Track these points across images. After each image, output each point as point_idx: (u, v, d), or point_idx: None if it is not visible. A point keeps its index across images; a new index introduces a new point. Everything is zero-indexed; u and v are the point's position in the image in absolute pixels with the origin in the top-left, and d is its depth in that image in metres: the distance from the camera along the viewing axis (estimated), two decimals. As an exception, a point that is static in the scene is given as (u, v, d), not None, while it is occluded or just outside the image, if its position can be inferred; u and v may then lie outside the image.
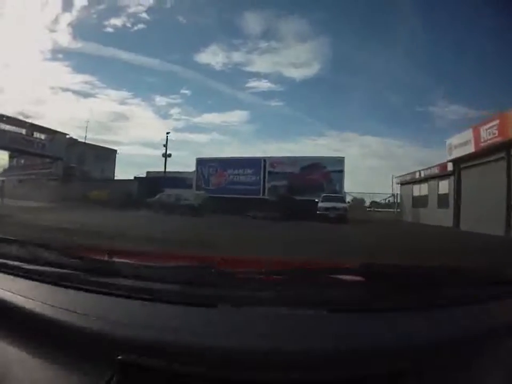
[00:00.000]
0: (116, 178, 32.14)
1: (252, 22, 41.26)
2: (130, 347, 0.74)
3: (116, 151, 37.06)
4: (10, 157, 36.01)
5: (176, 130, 51.02)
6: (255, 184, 22.12)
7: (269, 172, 21.95)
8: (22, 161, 32.86)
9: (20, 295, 0.97)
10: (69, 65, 48.93)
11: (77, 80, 46.68)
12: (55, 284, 1.04)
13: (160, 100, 50.18)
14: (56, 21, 42.19)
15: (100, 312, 0.87)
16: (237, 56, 41.51)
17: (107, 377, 0.71)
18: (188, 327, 0.81)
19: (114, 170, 36.43)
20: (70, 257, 1.20)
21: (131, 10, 39.18)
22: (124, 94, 53.91)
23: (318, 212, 15.65)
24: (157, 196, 19.41)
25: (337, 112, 41.17)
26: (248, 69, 43.64)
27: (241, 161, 22.88)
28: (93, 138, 46.91)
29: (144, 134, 57.42)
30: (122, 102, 48.00)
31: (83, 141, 33.51)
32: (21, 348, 0.82)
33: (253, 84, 45.33)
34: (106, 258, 1.26)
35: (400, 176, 22.25)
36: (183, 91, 46.18)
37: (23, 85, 48.11)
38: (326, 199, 16.91)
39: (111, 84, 51.41)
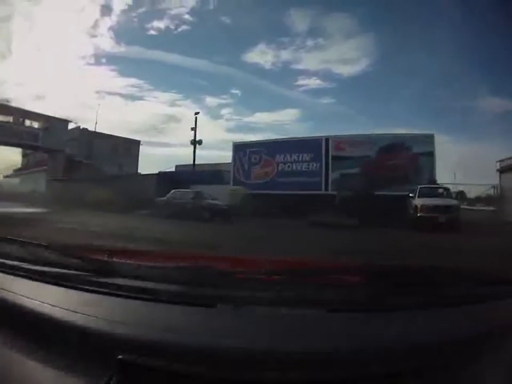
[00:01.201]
0: (140, 173, 34.45)
1: (298, 19, 48.03)
2: (130, 347, 0.92)
3: (139, 142, 40.36)
4: (23, 155, 41.03)
5: (228, 130, 62.98)
6: (314, 174, 21.38)
7: (334, 157, 21.01)
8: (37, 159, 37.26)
9: (20, 295, 1.23)
10: (116, 70, 64.31)
11: (125, 83, 60.38)
12: (55, 284, 1.33)
13: (211, 101, 60.90)
14: (102, 25, 53.75)
15: (100, 312, 1.10)
16: (285, 54, 50.86)
17: (107, 377, 0.88)
18: (188, 327, 1.05)
19: (137, 164, 39.23)
20: (70, 257, 1.56)
21: (175, 12, 49.63)
22: (173, 96, 66.16)
23: (418, 214, 13.77)
24: (167, 196, 19.48)
25: (388, 108, 46.78)
26: (297, 66, 52.46)
27: (294, 144, 22.45)
28: (147, 140, 64.17)
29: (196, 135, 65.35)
30: (172, 104, 61.63)
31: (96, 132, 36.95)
32: (21, 347, 1.03)
33: (302, 81, 53.97)
34: (106, 258, 1.59)
35: (502, 161, 19.60)
36: (233, 91, 55.74)
37: (70, 90, 64.70)
38: (425, 193, 14.91)
39: (160, 86, 62.89)
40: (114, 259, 1.63)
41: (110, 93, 76.54)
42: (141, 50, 54.09)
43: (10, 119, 31.10)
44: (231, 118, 64.70)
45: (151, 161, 65.03)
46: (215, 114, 63.66)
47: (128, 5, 48.56)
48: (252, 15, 48.17)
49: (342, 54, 49.43)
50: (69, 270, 1.46)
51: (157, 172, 29.24)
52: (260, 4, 47.98)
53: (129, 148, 39.63)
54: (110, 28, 53.97)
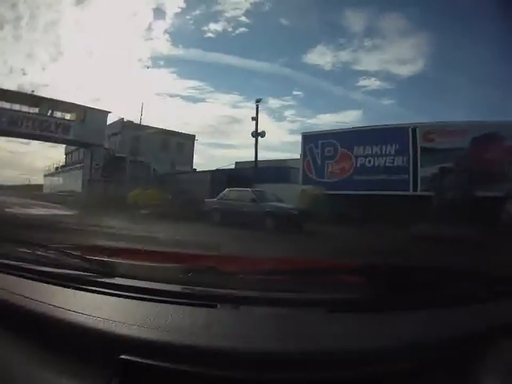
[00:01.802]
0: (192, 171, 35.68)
1: (354, 19, 52.05)
2: (131, 347, 1.09)
3: (193, 137, 41.55)
4: (67, 153, 43.52)
5: (292, 132, 66.96)
6: (400, 171, 20.19)
7: (424, 149, 19.73)
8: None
9: (20, 295, 1.44)
10: (176, 72, 70.72)
11: (186, 86, 69.29)
12: (55, 284, 1.59)
13: (274, 102, 64.32)
14: (160, 28, 62.96)
15: (100, 311, 1.30)
16: (344, 55, 52.64)
17: (107, 377, 1.05)
18: (188, 326, 1.25)
19: (192, 162, 40.65)
20: (70, 257, 1.85)
21: (233, 13, 52.72)
22: (235, 97, 68.32)
23: None
24: (218, 196, 18.39)
25: (448, 109, 48.14)
26: (357, 67, 55.72)
27: (375, 134, 21.36)
28: (209, 142, 72.40)
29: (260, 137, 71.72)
30: (234, 106, 64.64)
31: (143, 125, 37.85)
32: (22, 347, 1.22)
33: (363, 82, 58.13)
34: (106, 258, 1.88)
35: None
36: (295, 92, 58.89)
37: (130, 94, 71.85)
38: None
39: (221, 88, 68.46)
40: (115, 259, 1.90)
41: (171, 95, 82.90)
42: (201, 53, 58.46)
43: (35, 109, 32.23)
44: (295, 120, 66.87)
45: (214, 163, 71.99)
46: (278, 116, 66.74)
47: (187, 7, 54.68)
48: (309, 16, 51.51)
49: (400, 54, 50.03)
50: (69, 270, 1.72)
51: (211, 170, 29.55)
52: (316, 4, 51.86)
53: (183, 143, 40.82)
54: (169, 31, 60.19)
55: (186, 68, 67.81)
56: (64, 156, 44.53)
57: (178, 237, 9.70)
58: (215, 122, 75.75)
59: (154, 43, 60.28)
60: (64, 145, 40.12)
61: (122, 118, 38.84)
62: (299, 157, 24.53)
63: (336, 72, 45.59)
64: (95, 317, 1.27)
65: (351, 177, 21.63)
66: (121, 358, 1.06)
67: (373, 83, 54.59)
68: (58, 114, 33.69)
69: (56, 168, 46.38)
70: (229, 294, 1.49)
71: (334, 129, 24.13)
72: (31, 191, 45.20)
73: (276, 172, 25.26)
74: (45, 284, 1.62)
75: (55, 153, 45.50)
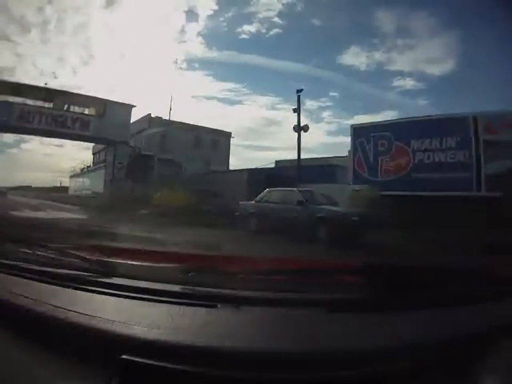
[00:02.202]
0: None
1: (386, 19, 57.27)
2: (131, 347, 1.18)
3: (229, 134, 42.41)
4: (94, 153, 44.71)
5: (330, 133, 71.76)
6: (461, 168, 19.31)
7: (486, 142, 18.81)
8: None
9: (20, 295, 1.56)
10: (211, 74, 79.15)
11: (222, 88, 75.17)
12: (55, 284, 1.73)
13: (311, 104, 68.29)
14: (192, 31, 71.96)
15: (100, 311, 1.41)
16: (378, 56, 59.55)
17: (107, 377, 1.13)
18: (188, 326, 1.33)
19: (228, 161, 41.40)
20: (70, 257, 2.01)
21: (267, 14, 61.08)
22: (272, 99, 76.92)
23: None
24: (256, 198, 17.18)
25: (482, 107, 40.62)
26: (390, 67, 59.75)
27: (434, 124, 20.61)
28: (248, 144, 74.63)
29: (296, 138, 75.85)
30: (272, 108, 72.27)
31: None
32: (22, 347, 1.31)
33: (397, 83, 62.29)
34: (106, 258, 2.04)
35: None
36: (332, 94, 63.48)
37: (166, 96, 76.43)
38: None
39: (257, 90, 78.58)
40: (115, 259, 2.07)
41: (207, 97, 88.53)
42: (236, 55, 65.42)
43: (50, 104, 32.51)
44: (332, 121, 74.13)
45: (251, 165, 75.29)
46: (315, 118, 70.10)
47: (220, 9, 59.92)
48: (342, 16, 58.06)
49: (433, 53, 59.30)
50: (69, 270, 1.87)
51: (248, 168, 29.49)
52: (348, 4, 56.70)
53: (218, 140, 41.27)
54: (203, 33, 65.17)
55: (222, 69, 76.14)
56: (92, 156, 45.97)
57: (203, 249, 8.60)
58: (252, 124, 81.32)
59: (188, 45, 66.61)
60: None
61: (150, 114, 39.57)
62: (343, 155, 24.56)
63: (370, 72, 50.59)
64: (95, 317, 1.37)
65: (409, 175, 20.87)
66: (122, 358, 1.14)
67: (408, 83, 61.88)
68: (76, 109, 34.10)
69: (82, 168, 47.83)
70: (229, 294, 1.61)
71: (387, 120, 23.42)
72: (58, 193, 47.86)
73: (321, 170, 24.96)
74: (45, 284, 1.74)
75: (87, 155, 47.54)
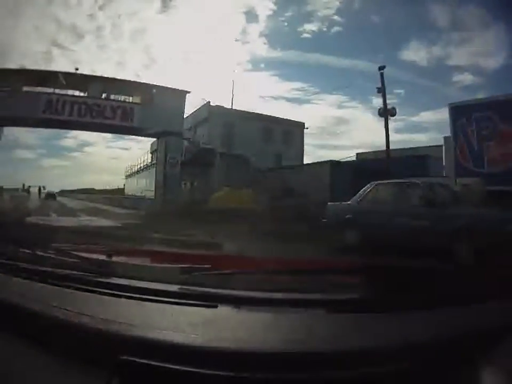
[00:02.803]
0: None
1: (442, 13, 66.88)
2: (131, 347, 1.28)
3: (303, 125, 41.90)
4: (152, 152, 44.79)
5: (397, 131, 76.02)
6: None
7: None
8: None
9: (20, 295, 1.70)
10: (278, 74, 78.57)
11: (290, 87, 74.27)
12: (55, 284, 1.89)
13: (377, 102, 58.31)
14: (254, 32, 71.63)
15: (100, 312, 1.54)
16: (437, 50, 61.37)
17: (107, 377, 1.23)
18: (188, 327, 1.43)
19: (302, 155, 40.88)
20: (70, 257, 2.20)
21: (326, 13, 64.60)
22: (338, 98, 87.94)
23: None
24: (356, 197, 14.31)
25: None
26: (450, 62, 71.65)
27: None
28: (317, 143, 79.39)
29: (365, 136, 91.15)
30: (339, 106, 79.92)
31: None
32: (21, 348, 1.43)
33: (457, 78, 64.13)
34: (106, 258, 2.22)
35: None
36: (396, 90, 71.04)
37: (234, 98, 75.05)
38: None
39: (325, 89, 76.15)
40: (114, 259, 2.26)
41: (275, 98, 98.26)
42: (300, 54, 73.17)
43: (84, 92, 33.05)
44: (397, 118, 72.56)
45: None
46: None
47: (280, 9, 62.25)
48: (398, 12, 62.45)
49: (486, 47, 65.86)
50: (69, 270, 2.06)
51: (329, 160, 27.94)
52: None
53: (290, 132, 40.91)
54: (265, 34, 74.43)
55: (288, 69, 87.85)
56: (150, 155, 46.37)
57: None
58: (322, 123, 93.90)
59: (252, 46, 75.04)
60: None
61: (209, 102, 39.03)
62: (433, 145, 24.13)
63: (431, 67, 58.85)
64: (95, 317, 1.48)
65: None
66: (121, 358, 1.23)
67: (466, 78, 71.95)
68: (116, 97, 34.48)
69: (139, 168, 49.22)
70: (229, 294, 1.76)
71: (491, 97, 22.13)
72: (118, 195, 51.01)
73: (411, 162, 24.03)
74: (45, 284, 1.89)
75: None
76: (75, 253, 2.34)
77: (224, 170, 33.28)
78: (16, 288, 1.85)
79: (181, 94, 34.78)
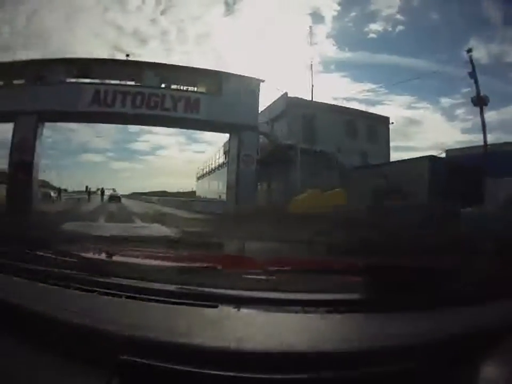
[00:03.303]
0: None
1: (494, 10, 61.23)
2: (131, 347, 1.39)
3: (387, 119, 41.35)
4: (225, 152, 44.13)
5: (464, 131, 76.16)
6: None
7: None
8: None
9: (20, 295, 1.84)
10: (347, 76, 68.85)
11: (361, 89, 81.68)
12: (55, 284, 2.04)
13: (445, 102, 73.38)
14: (321, 33, 74.07)
15: (100, 312, 1.69)
16: (493, 48, 65.67)
17: (107, 377, 1.34)
18: (188, 327, 1.55)
19: (388, 153, 40.22)
20: (70, 257, 2.36)
21: (390, 12, 60.23)
22: (408, 98, 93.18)
23: None
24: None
25: None
26: (507, 59, 51.16)
27: None
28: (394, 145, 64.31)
29: (438, 137, 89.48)
30: (409, 107, 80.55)
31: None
32: (22, 348, 1.54)
33: None
34: (106, 258, 2.38)
35: None
36: (463, 90, 65.74)
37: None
38: None
39: (393, 90, 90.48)
40: (114, 259, 2.43)
41: (347, 99, 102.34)
42: (368, 55, 75.12)
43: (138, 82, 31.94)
44: (465, 118, 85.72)
45: None
46: (450, 115, 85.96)
47: (345, 10, 59.15)
48: (461, 10, 67.90)
49: None
50: (69, 270, 2.23)
51: (427, 155, 27.04)
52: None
53: (374, 126, 40.15)
54: (334, 35, 77.35)
55: (357, 70, 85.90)
56: (223, 155, 46.05)
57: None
58: (393, 124, 79.52)
59: (321, 48, 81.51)
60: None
61: (286, 93, 38.79)
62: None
63: (493, 65, 58.23)
64: (95, 317, 1.62)
65: None
66: (121, 358, 1.35)
67: None
68: (178, 87, 33.17)
69: (210, 169, 50.24)
70: (229, 294, 1.89)
71: None
72: (187, 197, 51.84)
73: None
74: (45, 284, 2.06)
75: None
76: (75, 253, 2.53)
77: (306, 169, 32.47)
78: (16, 288, 2.00)
79: (254, 83, 33.47)
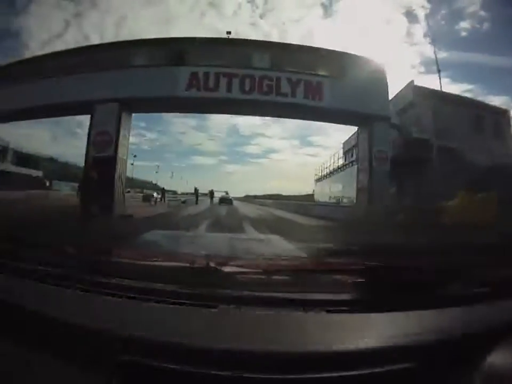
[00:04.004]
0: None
1: None
2: (131, 347, 1.55)
3: (508, 113, 37.11)
4: (346, 152, 43.67)
5: None
6: None
7: None
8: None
9: (20, 295, 2.02)
10: (448, 76, 73.50)
11: (461, 89, 72.28)
12: (55, 284, 2.25)
13: None
14: (418, 33, 73.68)
15: (100, 312, 1.85)
16: None
17: (107, 377, 1.49)
18: (189, 327, 1.74)
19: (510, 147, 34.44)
20: (70, 257, 2.71)
21: (473, 10, 68.27)
22: (504, 99, 75.58)
23: None
24: None
25: None
26: None
27: None
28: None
29: None
30: (509, 107, 54.49)
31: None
32: (21, 348, 1.68)
33: None
34: (106, 258, 2.73)
35: None
36: None
37: None
38: None
39: (490, 90, 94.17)
40: (114, 259, 2.69)
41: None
42: (463, 55, 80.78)
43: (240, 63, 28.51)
44: None
45: None
46: None
47: (436, 8, 59.53)
48: None
49: None
50: (69, 270, 2.43)
51: None
52: None
53: (497, 120, 36.79)
54: (430, 35, 74.42)
55: (454, 70, 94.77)
56: (343, 155, 48.08)
57: None
58: None
59: (420, 48, 74.32)
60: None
61: (413, 81, 36.74)
62: None
63: None
64: (95, 317, 1.80)
65: None
66: (121, 359, 1.52)
67: None
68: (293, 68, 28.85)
69: (331, 170, 49.05)
70: (229, 294, 2.07)
71: None
72: (306, 201, 50.81)
73: None
74: (45, 284, 2.25)
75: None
76: (75, 253, 2.76)
77: (441, 168, 30.51)
78: (16, 288, 2.17)
79: (381, 68, 30.88)
